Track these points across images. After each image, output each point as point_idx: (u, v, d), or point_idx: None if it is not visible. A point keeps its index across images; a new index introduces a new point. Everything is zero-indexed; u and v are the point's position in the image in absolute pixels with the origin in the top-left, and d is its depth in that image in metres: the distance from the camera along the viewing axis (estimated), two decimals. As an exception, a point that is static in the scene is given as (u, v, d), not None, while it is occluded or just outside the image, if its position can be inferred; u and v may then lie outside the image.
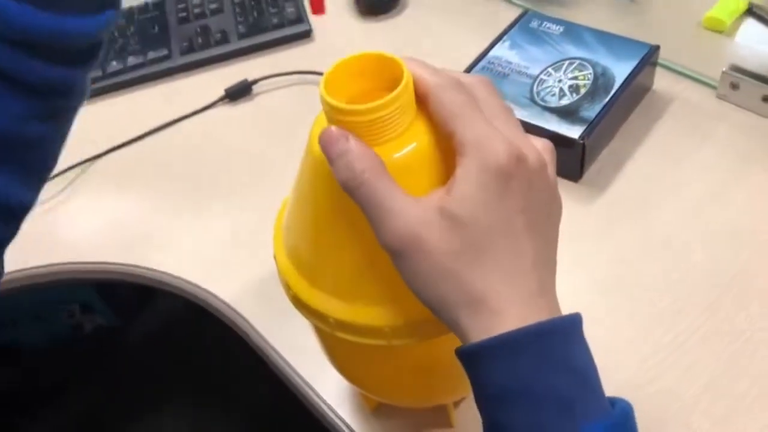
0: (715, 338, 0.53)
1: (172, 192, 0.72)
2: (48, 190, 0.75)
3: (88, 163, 0.76)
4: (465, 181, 0.32)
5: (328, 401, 0.54)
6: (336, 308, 0.38)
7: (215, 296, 0.62)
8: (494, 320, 0.32)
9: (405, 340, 0.37)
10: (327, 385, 0.55)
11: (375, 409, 0.53)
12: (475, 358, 0.33)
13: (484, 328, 0.32)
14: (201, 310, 0.72)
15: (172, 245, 0.67)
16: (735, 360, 0.52)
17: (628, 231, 0.61)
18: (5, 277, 0.70)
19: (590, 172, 0.65)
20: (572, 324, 0.34)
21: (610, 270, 0.59)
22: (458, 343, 0.34)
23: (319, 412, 0.55)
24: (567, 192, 0.64)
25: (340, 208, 0.35)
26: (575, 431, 0.31)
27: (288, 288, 0.40)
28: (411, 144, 0.34)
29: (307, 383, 0.56)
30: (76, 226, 0.73)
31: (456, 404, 0.52)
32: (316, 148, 0.34)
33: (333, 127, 0.33)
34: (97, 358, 1.18)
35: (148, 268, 0.66)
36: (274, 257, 0.42)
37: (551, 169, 0.35)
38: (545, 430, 0.31)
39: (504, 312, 0.32)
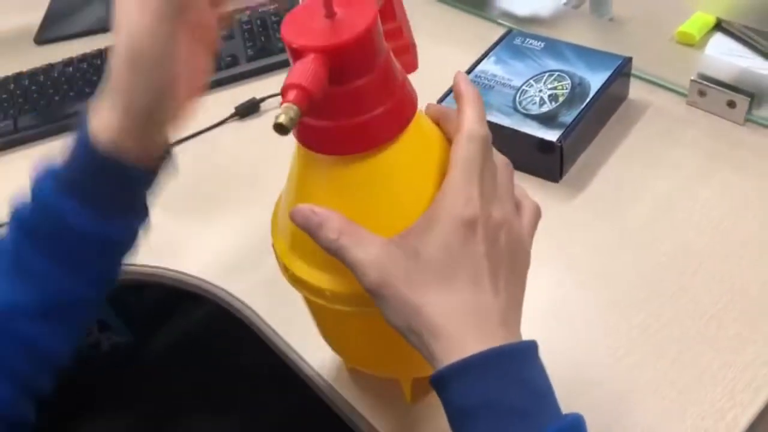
0: (682, 318, 0.58)
1: (187, 201, 0.78)
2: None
3: (110, 176, 0.83)
4: (432, 222, 0.38)
5: (326, 377, 0.60)
6: (302, 271, 0.44)
7: (227, 291, 0.68)
8: (454, 346, 0.37)
9: (345, 306, 0.44)
10: (327, 364, 0.61)
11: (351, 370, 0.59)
12: (441, 382, 0.38)
13: (446, 354, 0.37)
14: (217, 327, 0.76)
15: (188, 249, 0.73)
16: (700, 336, 0.57)
17: (604, 226, 0.66)
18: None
19: (570, 173, 0.71)
20: (527, 349, 0.39)
21: (587, 261, 0.64)
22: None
23: (328, 398, 0.60)
24: (548, 192, 0.70)
25: (311, 187, 0.42)
26: None
27: (277, 257, 0.47)
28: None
29: (310, 365, 0.61)
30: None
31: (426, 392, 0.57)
32: None
33: (299, 206, 0.40)
34: (117, 374, 1.21)
35: (166, 269, 0.72)
36: (272, 236, 0.48)
37: (527, 226, 0.42)
38: None
39: (463, 339, 0.37)
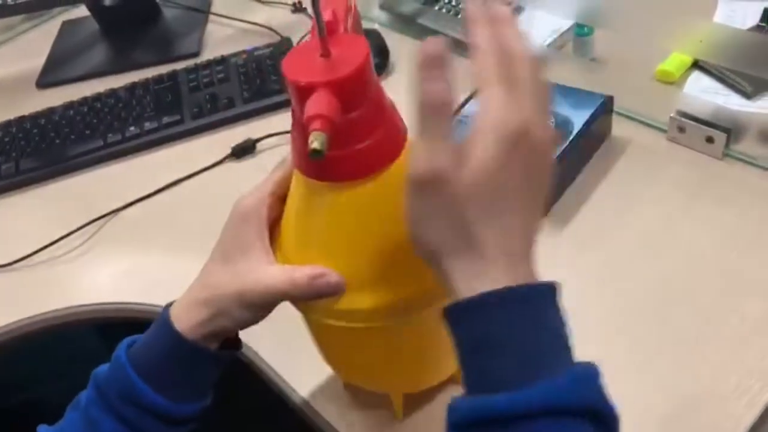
0: (665, 350, 0.60)
1: (184, 240, 0.80)
2: (72, 241, 0.84)
3: (110, 216, 0.85)
4: (480, 136, 0.36)
5: (313, 404, 0.62)
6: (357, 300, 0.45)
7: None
8: (483, 268, 0.36)
9: (365, 323, 0.46)
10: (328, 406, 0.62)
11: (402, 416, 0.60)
12: (458, 313, 0.37)
13: (473, 274, 0.36)
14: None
15: (186, 288, 0.75)
16: (682, 367, 0.58)
17: (588, 260, 0.68)
18: (36, 318, 0.78)
19: (556, 207, 0.73)
20: (550, 290, 0.38)
21: (570, 294, 0.65)
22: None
23: (317, 425, 0.62)
24: (535, 226, 0.72)
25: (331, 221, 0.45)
26: (538, 380, 0.35)
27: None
28: None
29: (297, 391, 0.63)
30: (97, 273, 0.81)
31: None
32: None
33: (440, 43, 0.37)
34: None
35: (160, 306, 0.73)
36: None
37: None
38: (512, 377, 0.35)
39: (492, 262, 0.36)
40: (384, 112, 0.43)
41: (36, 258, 0.82)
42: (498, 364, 0.36)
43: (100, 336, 1.21)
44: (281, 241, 0.49)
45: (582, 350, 0.61)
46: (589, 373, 0.37)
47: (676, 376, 0.58)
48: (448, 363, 0.55)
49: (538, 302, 0.37)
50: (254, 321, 0.48)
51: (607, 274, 0.67)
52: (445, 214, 0.37)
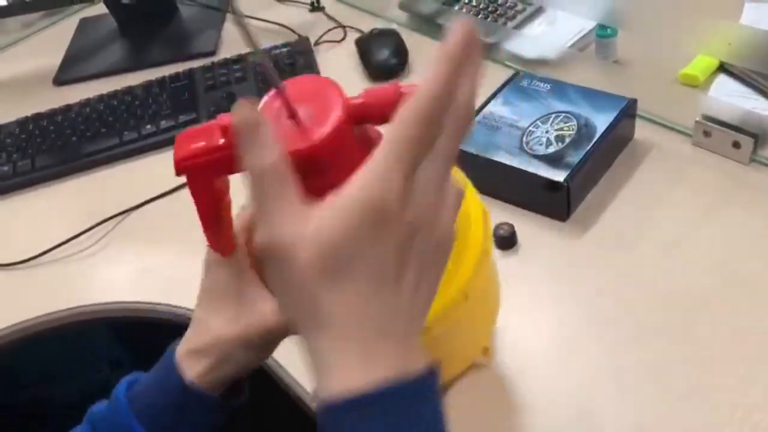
0: (689, 357, 0.58)
1: (200, 240, 0.79)
2: (87, 239, 0.83)
3: (125, 214, 0.85)
4: (346, 207, 0.32)
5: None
6: None
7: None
8: (333, 355, 0.32)
9: None
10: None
11: None
12: (327, 414, 0.32)
13: (325, 355, 0.33)
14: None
15: (197, 287, 0.74)
16: (706, 376, 0.57)
17: (611, 265, 0.67)
18: (51, 316, 0.77)
19: (578, 212, 0.72)
20: (428, 383, 0.33)
21: (593, 299, 0.64)
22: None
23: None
24: (555, 230, 0.70)
25: None
26: None
27: None
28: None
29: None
30: (112, 271, 0.80)
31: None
32: None
33: (256, 109, 0.34)
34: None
35: (179, 306, 0.73)
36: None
37: (450, 221, 0.35)
38: None
39: (347, 344, 0.32)
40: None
41: (51, 256, 0.82)
42: None
43: (113, 335, 1.20)
44: None
45: (599, 357, 0.60)
46: None
47: (700, 387, 0.56)
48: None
49: (409, 402, 0.32)
50: (258, 362, 0.47)
51: (628, 280, 0.65)
52: (295, 288, 0.33)
